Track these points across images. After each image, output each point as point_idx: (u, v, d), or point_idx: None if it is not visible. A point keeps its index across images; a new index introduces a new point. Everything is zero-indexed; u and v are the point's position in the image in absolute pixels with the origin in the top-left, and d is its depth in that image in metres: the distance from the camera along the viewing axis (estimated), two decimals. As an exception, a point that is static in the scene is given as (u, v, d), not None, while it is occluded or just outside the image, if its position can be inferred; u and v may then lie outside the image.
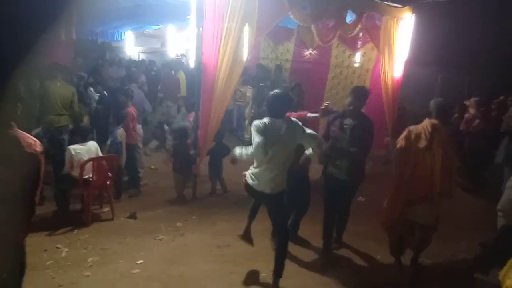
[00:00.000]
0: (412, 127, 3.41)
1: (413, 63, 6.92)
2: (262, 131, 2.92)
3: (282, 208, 3.20)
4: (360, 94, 3.61)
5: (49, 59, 5.27)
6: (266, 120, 3.00)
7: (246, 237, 3.72)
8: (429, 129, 3.30)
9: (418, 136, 3.32)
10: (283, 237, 3.21)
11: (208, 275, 3.42)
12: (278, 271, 3.16)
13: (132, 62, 10.93)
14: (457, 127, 6.63)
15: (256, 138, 2.93)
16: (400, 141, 3.42)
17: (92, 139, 4.77)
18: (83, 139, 4.50)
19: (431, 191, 3.26)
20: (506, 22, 10.25)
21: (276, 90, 3.11)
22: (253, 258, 3.76)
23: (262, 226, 4.06)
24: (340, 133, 3.59)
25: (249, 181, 3.14)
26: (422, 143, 3.28)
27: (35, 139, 2.04)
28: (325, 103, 3.68)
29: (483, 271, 3.24)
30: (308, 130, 3.12)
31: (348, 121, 3.59)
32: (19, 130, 1.99)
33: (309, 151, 3.33)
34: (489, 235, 3.39)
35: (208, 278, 3.37)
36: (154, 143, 7.33)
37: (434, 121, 3.34)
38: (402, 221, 3.43)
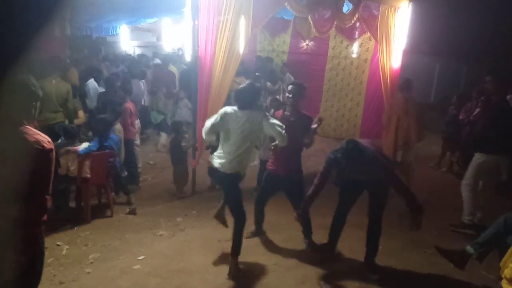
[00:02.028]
0: (394, 102, 5.30)
1: (410, 52, 6.87)
2: (220, 114, 3.24)
3: (234, 190, 3.33)
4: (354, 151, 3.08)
5: (44, 55, 5.22)
6: (231, 108, 3.25)
7: (219, 216, 3.76)
8: (402, 100, 5.08)
9: (398, 106, 5.11)
10: (237, 220, 3.33)
11: (209, 269, 3.42)
12: (234, 251, 3.34)
13: (126, 58, 10.84)
14: (454, 117, 6.60)
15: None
16: (387, 111, 5.32)
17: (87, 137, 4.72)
18: (72, 141, 4.42)
19: (409, 139, 5.03)
20: (503, 11, 10.20)
21: (244, 84, 3.32)
22: (254, 251, 3.76)
23: (264, 221, 4.07)
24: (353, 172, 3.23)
25: (211, 161, 3.37)
26: (400, 110, 5.04)
27: (44, 135, 2.02)
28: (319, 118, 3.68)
29: (478, 257, 3.28)
30: (273, 121, 3.26)
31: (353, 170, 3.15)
32: (29, 127, 1.99)
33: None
34: (489, 223, 3.39)
35: (209, 273, 3.37)
36: (163, 137, 7.28)
37: (405, 94, 5.10)
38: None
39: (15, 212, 1.83)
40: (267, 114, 3.35)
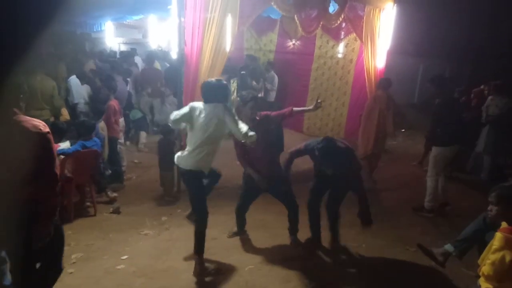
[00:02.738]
0: (375, 95, 5.72)
1: (395, 53, 6.97)
2: (189, 105, 3.28)
3: (193, 187, 3.32)
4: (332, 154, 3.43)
5: (33, 52, 5.14)
6: (198, 103, 3.28)
7: (190, 217, 3.71)
8: (385, 96, 5.52)
9: (379, 100, 5.52)
10: (197, 219, 3.32)
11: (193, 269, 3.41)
12: (196, 250, 3.34)
13: (112, 55, 10.68)
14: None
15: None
16: (371, 104, 5.63)
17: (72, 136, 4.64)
18: (59, 138, 4.36)
19: (387, 131, 5.58)
20: (483, 12, 10.46)
21: (210, 79, 3.34)
22: (239, 250, 3.77)
23: (250, 219, 4.08)
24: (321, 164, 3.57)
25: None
26: (383, 105, 5.47)
27: (39, 120, 2.23)
28: (319, 100, 3.72)
29: (459, 254, 3.37)
30: (235, 117, 3.19)
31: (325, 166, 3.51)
32: (22, 116, 2.18)
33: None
34: (469, 221, 3.47)
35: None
36: (143, 136, 7.18)
37: (386, 91, 5.56)
38: (372, 153, 5.60)
39: (31, 190, 2.08)
40: (230, 109, 3.24)
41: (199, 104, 3.25)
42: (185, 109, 3.26)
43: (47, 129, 2.20)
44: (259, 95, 7.71)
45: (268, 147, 3.63)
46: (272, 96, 7.95)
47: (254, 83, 7.78)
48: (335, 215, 3.86)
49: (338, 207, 3.82)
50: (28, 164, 2.05)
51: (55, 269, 2.47)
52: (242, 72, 7.72)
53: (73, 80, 6.50)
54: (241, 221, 4.03)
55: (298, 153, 3.73)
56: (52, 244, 2.29)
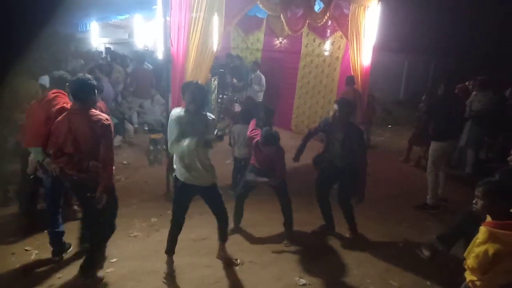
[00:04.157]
0: (344, 92, 6.37)
1: (380, 50, 7.05)
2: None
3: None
4: (344, 105, 3.75)
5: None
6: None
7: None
8: (351, 91, 6.17)
9: (348, 94, 6.07)
10: (172, 226, 3.43)
11: (184, 269, 3.41)
12: (166, 250, 3.40)
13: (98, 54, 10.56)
14: (424, 114, 6.81)
15: None
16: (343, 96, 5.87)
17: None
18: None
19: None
20: (466, 8, 10.64)
21: (192, 80, 3.43)
22: (230, 249, 3.75)
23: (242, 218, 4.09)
24: (330, 146, 3.87)
25: None
26: (351, 98, 5.60)
27: (104, 115, 2.91)
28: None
29: (446, 247, 3.44)
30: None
31: (336, 134, 3.77)
32: (94, 110, 2.90)
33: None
34: (455, 215, 3.55)
35: (184, 273, 3.36)
36: (117, 139, 7.11)
37: (351, 86, 6.18)
38: None
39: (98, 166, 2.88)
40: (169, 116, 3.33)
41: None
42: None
43: (109, 122, 2.89)
44: (244, 92, 7.77)
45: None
46: (260, 96, 7.88)
47: (234, 80, 7.78)
48: (349, 207, 3.97)
49: (350, 198, 3.94)
50: (94, 147, 2.84)
51: (111, 225, 3.28)
52: (221, 70, 7.73)
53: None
54: (239, 211, 4.08)
55: (316, 130, 4.09)
56: (107, 208, 2.97)
